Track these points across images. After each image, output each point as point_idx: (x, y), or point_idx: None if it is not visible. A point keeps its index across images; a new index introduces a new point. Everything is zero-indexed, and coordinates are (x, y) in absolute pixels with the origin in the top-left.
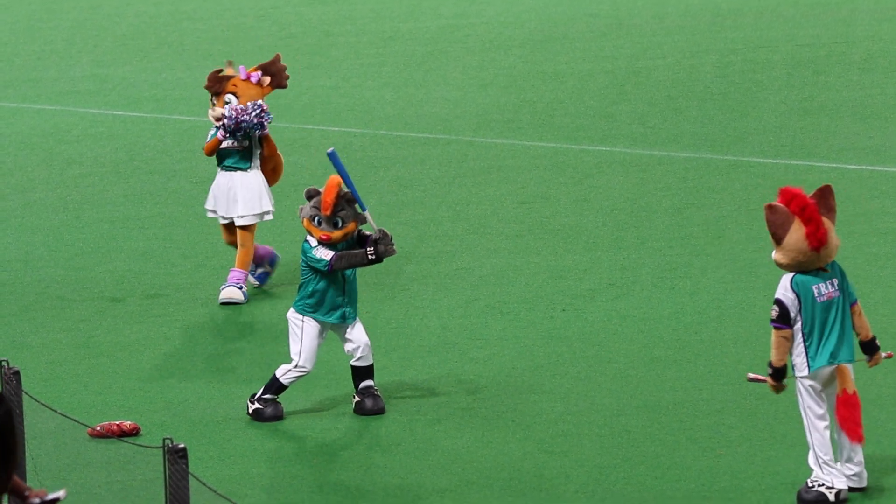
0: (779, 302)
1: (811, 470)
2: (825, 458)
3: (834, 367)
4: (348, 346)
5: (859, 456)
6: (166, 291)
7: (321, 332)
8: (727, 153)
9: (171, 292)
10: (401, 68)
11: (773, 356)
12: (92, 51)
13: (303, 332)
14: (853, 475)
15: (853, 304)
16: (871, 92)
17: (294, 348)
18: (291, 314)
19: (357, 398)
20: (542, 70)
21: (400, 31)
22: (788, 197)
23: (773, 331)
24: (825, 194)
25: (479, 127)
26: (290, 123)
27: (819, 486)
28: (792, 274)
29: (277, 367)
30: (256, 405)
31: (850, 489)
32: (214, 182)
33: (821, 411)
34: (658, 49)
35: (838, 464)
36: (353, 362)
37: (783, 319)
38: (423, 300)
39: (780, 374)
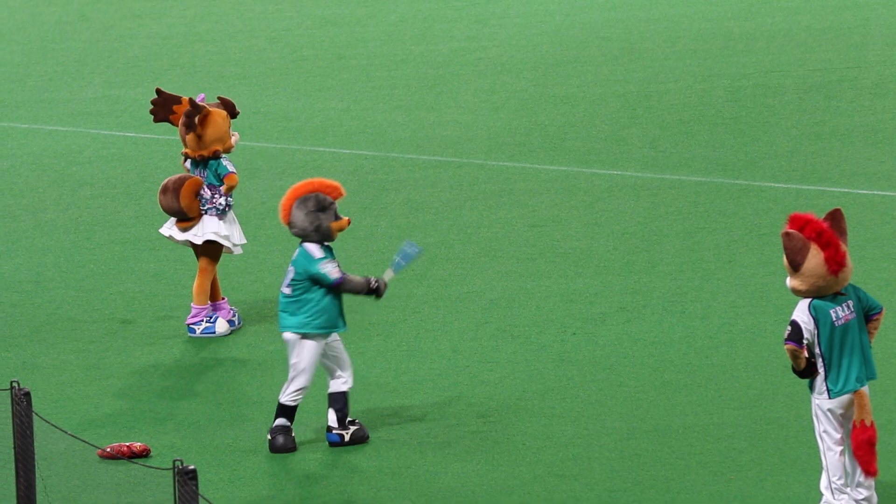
0: (793, 323)
1: (821, 495)
2: (838, 482)
3: (853, 393)
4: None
5: (870, 481)
6: (177, 313)
7: None
8: (738, 178)
9: (182, 314)
10: (412, 91)
11: (794, 366)
12: (104, 72)
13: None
14: (863, 500)
15: (878, 313)
16: (882, 117)
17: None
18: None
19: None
20: (554, 94)
21: (412, 54)
22: (801, 223)
23: (786, 346)
24: (837, 218)
25: (491, 150)
26: (301, 146)
27: None
28: (809, 299)
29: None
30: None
31: None
32: (231, 214)
33: (838, 436)
34: (670, 73)
35: (849, 489)
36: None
37: (794, 337)
38: (433, 323)
39: (806, 372)
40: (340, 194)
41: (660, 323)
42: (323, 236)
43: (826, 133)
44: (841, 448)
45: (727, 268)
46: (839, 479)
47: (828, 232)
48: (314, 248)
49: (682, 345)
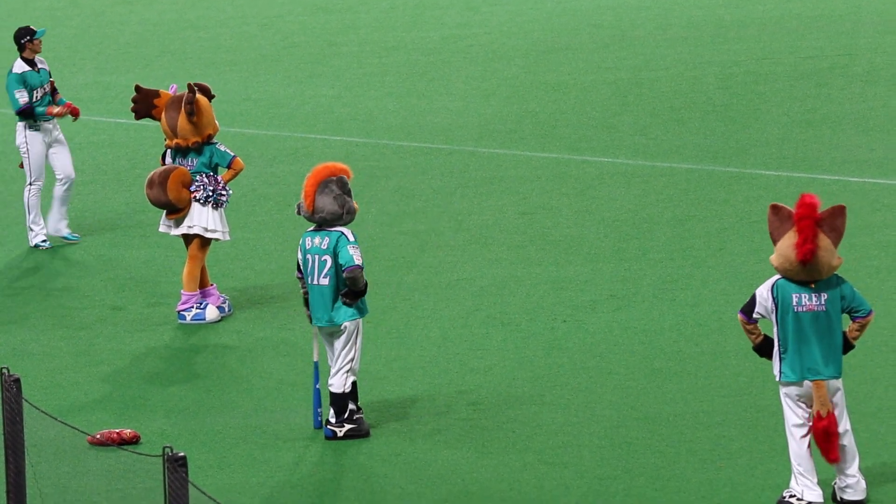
0: (753, 295)
1: None
2: (799, 468)
3: (811, 382)
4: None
5: (853, 469)
6: (167, 300)
7: None
8: (729, 165)
9: (172, 301)
10: (403, 78)
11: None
12: (95, 58)
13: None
14: (846, 486)
15: (864, 316)
16: (873, 104)
17: (353, 354)
18: (354, 322)
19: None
20: (545, 81)
21: (403, 41)
22: (800, 203)
23: (738, 316)
24: (834, 214)
25: (482, 137)
26: (293, 132)
27: (790, 497)
28: (777, 277)
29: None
30: (348, 426)
31: (844, 501)
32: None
33: (798, 421)
34: (661, 60)
35: (813, 477)
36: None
37: (745, 308)
38: (424, 310)
39: (762, 349)
40: (351, 175)
41: (650, 310)
42: (352, 217)
43: (817, 120)
44: (802, 433)
45: (718, 255)
46: (800, 464)
47: (807, 221)
48: (349, 233)
49: (672, 332)
